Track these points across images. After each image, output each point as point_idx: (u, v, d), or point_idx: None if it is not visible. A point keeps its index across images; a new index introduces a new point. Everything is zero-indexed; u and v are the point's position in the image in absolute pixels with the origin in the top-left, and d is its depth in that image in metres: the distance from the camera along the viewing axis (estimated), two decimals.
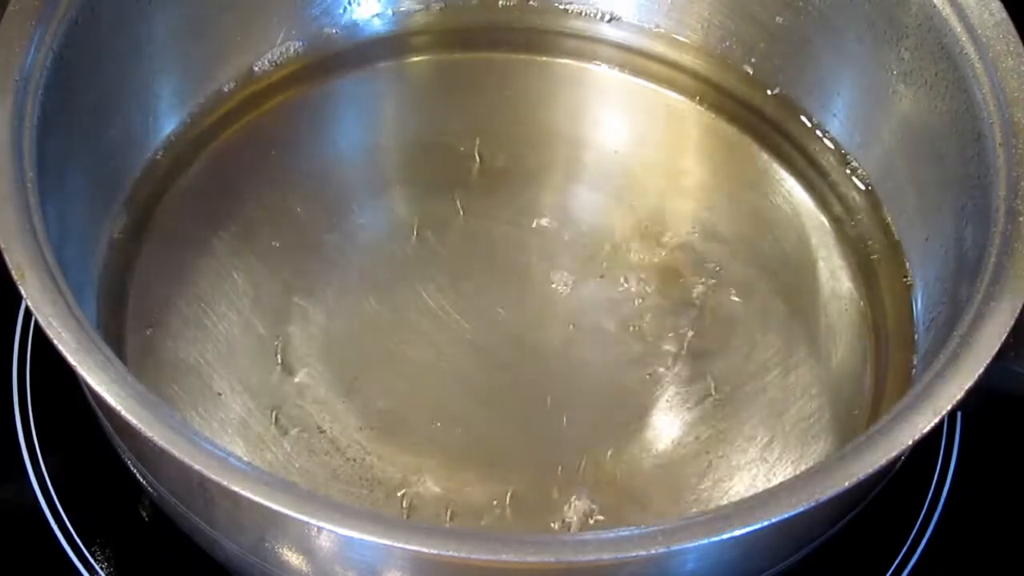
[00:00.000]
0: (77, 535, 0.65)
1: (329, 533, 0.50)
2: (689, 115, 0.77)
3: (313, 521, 0.48)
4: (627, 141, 0.76)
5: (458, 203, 0.72)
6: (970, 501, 0.68)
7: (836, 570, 0.64)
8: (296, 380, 0.66)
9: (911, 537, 0.67)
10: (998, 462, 0.70)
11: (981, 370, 0.53)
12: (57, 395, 0.68)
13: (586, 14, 0.79)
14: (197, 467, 0.49)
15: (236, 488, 0.48)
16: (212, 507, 0.55)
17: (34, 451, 0.67)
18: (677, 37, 0.78)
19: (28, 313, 0.71)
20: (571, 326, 0.68)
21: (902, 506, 0.67)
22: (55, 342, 0.52)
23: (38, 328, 0.69)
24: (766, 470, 0.64)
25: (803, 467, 0.51)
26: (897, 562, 0.66)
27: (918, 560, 0.66)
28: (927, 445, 0.64)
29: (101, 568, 0.65)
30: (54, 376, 0.69)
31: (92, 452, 0.66)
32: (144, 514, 0.66)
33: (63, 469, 0.67)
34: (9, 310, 0.71)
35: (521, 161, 0.74)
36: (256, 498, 0.48)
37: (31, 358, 0.70)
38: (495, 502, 0.62)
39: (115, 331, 0.66)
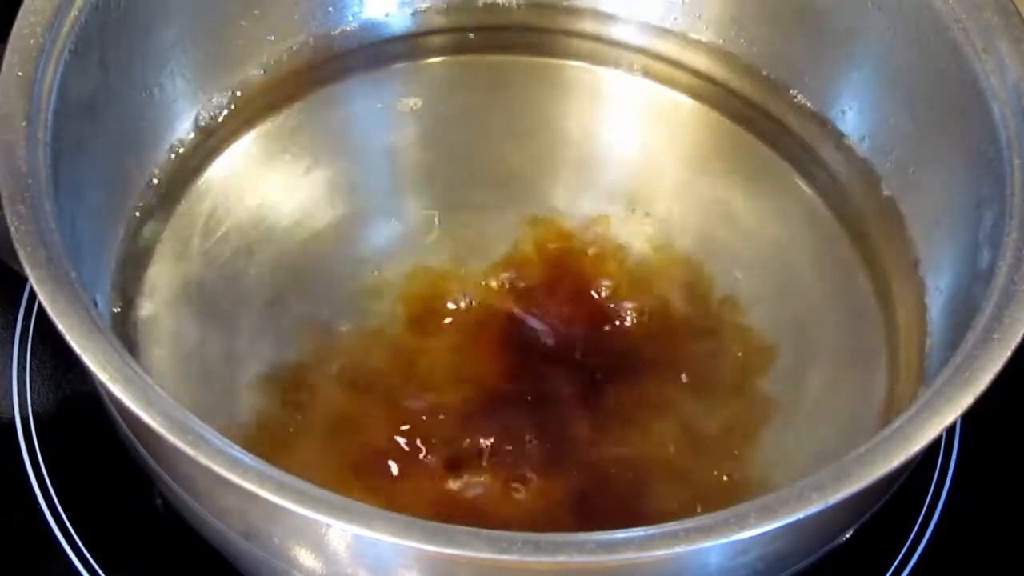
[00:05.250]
0: (77, 534, 0.65)
1: (339, 530, 0.50)
2: (702, 118, 0.77)
3: (325, 519, 0.48)
4: (639, 144, 0.76)
5: (470, 204, 0.72)
6: (970, 501, 0.68)
7: (836, 570, 0.64)
8: (309, 377, 0.66)
9: (911, 537, 0.67)
10: (998, 462, 0.70)
11: (999, 368, 0.53)
12: (57, 395, 0.68)
13: (599, 16, 0.79)
14: (215, 467, 0.49)
15: (262, 492, 0.48)
16: (227, 506, 0.55)
17: (34, 451, 0.67)
18: (690, 38, 0.78)
19: (28, 312, 0.71)
20: (580, 327, 0.68)
21: (902, 506, 0.67)
22: (76, 348, 0.51)
23: (38, 326, 0.70)
24: (779, 472, 0.64)
25: (816, 467, 0.52)
26: (897, 562, 0.66)
27: (918, 560, 0.66)
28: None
29: (101, 569, 0.65)
30: (54, 376, 0.69)
31: (92, 452, 0.66)
32: (146, 514, 0.66)
33: (63, 469, 0.67)
34: (9, 310, 0.71)
35: (533, 163, 0.74)
36: (280, 501, 0.48)
37: (31, 358, 0.70)
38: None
39: (129, 330, 0.66)
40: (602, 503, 0.63)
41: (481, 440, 0.64)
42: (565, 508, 0.63)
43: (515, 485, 0.63)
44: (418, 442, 0.64)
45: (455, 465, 0.63)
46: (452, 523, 0.49)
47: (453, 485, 0.63)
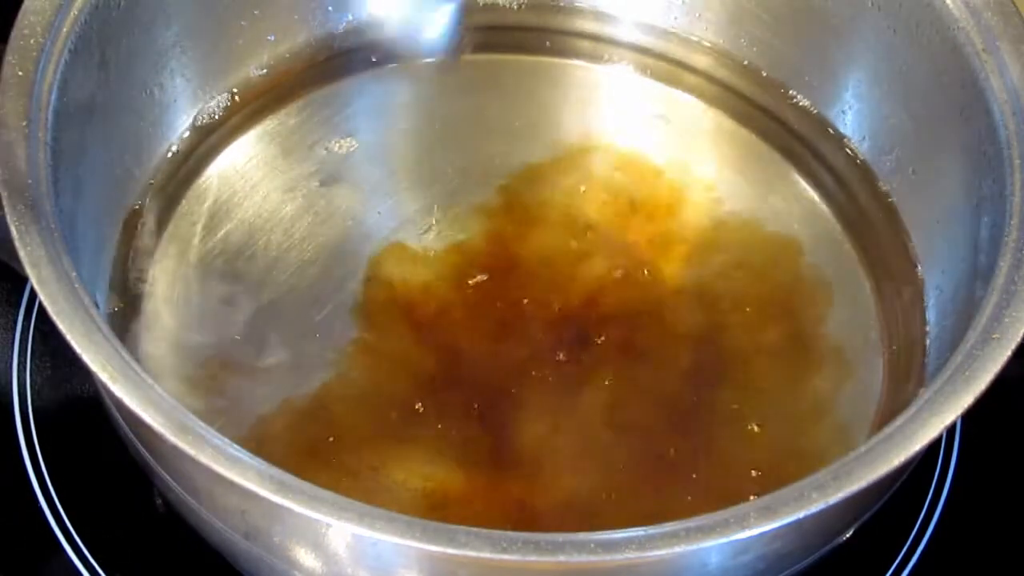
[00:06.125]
0: (77, 534, 0.65)
1: (339, 530, 0.51)
2: (702, 117, 0.77)
3: (325, 519, 0.48)
4: (639, 143, 0.76)
5: (469, 203, 0.72)
6: (970, 501, 0.68)
7: (836, 570, 0.64)
8: (310, 375, 0.66)
9: (911, 537, 0.67)
10: (998, 462, 0.70)
11: (999, 368, 0.53)
12: (57, 395, 0.68)
13: (599, 16, 0.79)
14: (215, 467, 0.49)
15: (262, 491, 0.48)
16: (227, 506, 0.55)
17: (34, 451, 0.67)
18: (691, 38, 0.78)
19: (28, 312, 0.71)
20: (579, 329, 0.68)
21: (902, 506, 0.67)
22: (76, 348, 0.51)
23: (38, 326, 0.70)
24: (777, 472, 0.64)
25: (815, 469, 0.52)
26: (897, 562, 0.66)
27: (918, 560, 0.66)
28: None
29: (101, 569, 0.65)
30: (54, 376, 0.69)
31: (92, 452, 0.66)
32: (146, 514, 0.66)
33: (63, 469, 0.67)
34: (9, 310, 0.71)
35: (533, 162, 0.74)
36: (280, 500, 0.48)
37: (31, 358, 0.70)
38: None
39: (129, 330, 0.66)
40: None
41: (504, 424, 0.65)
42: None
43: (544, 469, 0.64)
44: (425, 441, 0.64)
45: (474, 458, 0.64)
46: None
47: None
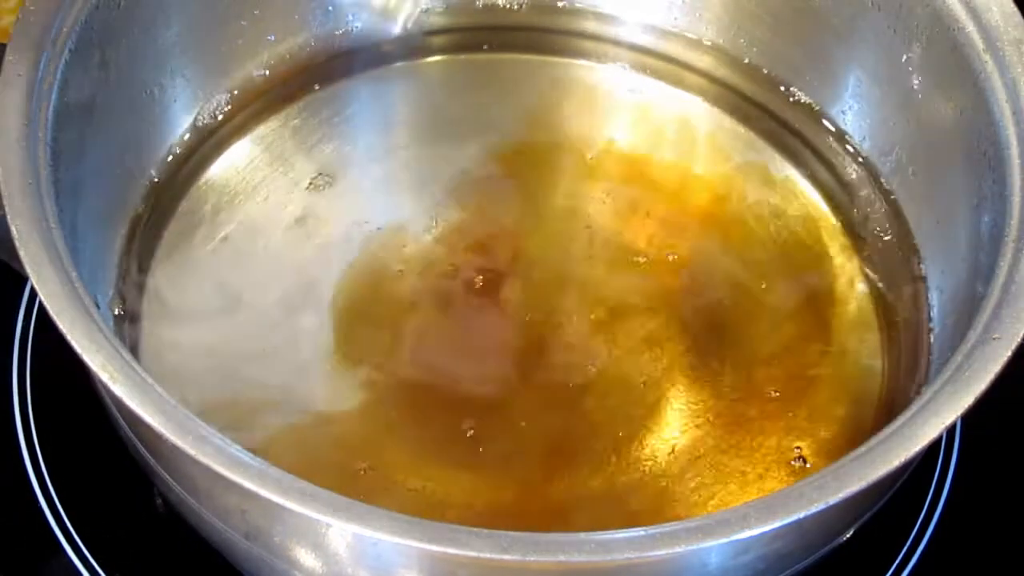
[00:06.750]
0: (77, 534, 0.65)
1: (340, 530, 0.51)
2: (702, 116, 0.77)
3: (325, 519, 0.48)
4: (640, 142, 0.76)
5: (470, 203, 0.72)
6: (970, 501, 0.68)
7: (836, 570, 0.64)
8: (310, 375, 0.66)
9: (911, 537, 0.67)
10: (998, 462, 0.70)
11: (999, 368, 0.53)
12: (57, 395, 0.68)
13: (600, 16, 0.79)
14: (216, 467, 0.49)
15: (262, 491, 0.48)
16: (228, 506, 0.55)
17: (34, 451, 0.67)
18: (691, 38, 0.78)
19: (28, 312, 0.71)
20: (582, 326, 0.68)
21: (902, 506, 0.67)
22: (76, 348, 0.51)
23: (38, 326, 0.70)
24: (778, 470, 0.64)
25: (815, 466, 0.52)
26: (897, 562, 0.66)
27: (918, 560, 0.66)
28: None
29: (101, 568, 0.65)
30: (54, 376, 0.69)
31: (92, 452, 0.66)
32: (146, 514, 0.66)
33: (63, 469, 0.67)
34: (9, 310, 0.71)
35: (535, 163, 0.74)
36: (281, 500, 0.48)
37: (31, 358, 0.70)
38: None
39: (129, 330, 0.66)
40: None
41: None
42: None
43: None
44: (426, 441, 0.64)
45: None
46: None
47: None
